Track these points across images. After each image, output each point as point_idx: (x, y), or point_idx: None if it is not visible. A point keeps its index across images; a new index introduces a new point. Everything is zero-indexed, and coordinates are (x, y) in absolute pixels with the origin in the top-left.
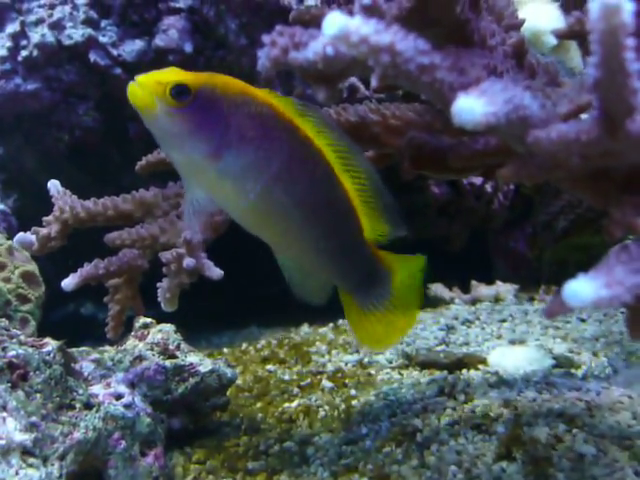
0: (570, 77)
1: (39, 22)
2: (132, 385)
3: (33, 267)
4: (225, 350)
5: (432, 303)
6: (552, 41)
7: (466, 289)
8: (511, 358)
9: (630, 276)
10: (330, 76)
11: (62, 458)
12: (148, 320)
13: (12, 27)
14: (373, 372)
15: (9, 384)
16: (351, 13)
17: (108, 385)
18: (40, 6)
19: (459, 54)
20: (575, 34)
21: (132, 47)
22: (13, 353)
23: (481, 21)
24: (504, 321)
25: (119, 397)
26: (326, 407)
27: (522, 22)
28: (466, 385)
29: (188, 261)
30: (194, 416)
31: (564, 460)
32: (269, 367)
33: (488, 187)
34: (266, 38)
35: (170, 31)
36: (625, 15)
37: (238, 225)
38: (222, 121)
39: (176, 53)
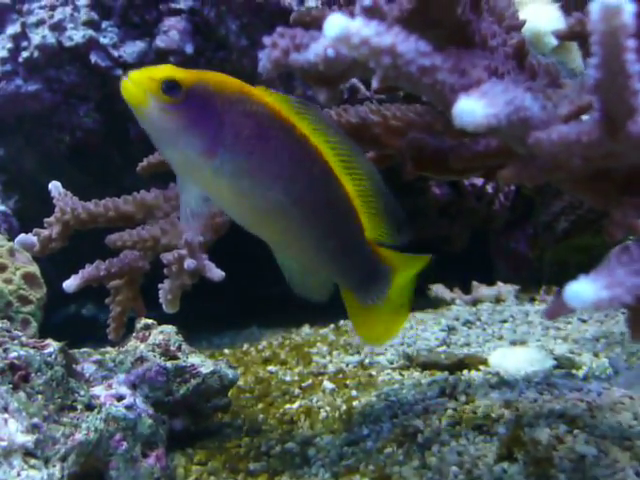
0: (571, 78)
1: (40, 23)
2: (134, 386)
3: (34, 268)
4: (226, 351)
5: (433, 304)
6: (553, 42)
7: (467, 290)
8: (512, 359)
9: (631, 277)
10: (331, 78)
11: (64, 459)
12: (149, 321)
13: (13, 28)
14: (374, 373)
15: (10, 385)
16: (352, 14)
17: (110, 386)
18: (41, 7)
19: (460, 55)
20: (576, 35)
21: (133, 48)
22: (15, 354)
23: (482, 22)
24: (505, 322)
25: (120, 398)
26: (327, 408)
27: (523, 23)
28: (467, 386)
29: (189, 262)
30: (195, 417)
31: (565, 461)
32: (270, 368)
33: (489, 188)
34: (267, 40)
35: (171, 32)
36: (626, 16)
37: (238, 225)
38: (216, 118)
39: (177, 54)
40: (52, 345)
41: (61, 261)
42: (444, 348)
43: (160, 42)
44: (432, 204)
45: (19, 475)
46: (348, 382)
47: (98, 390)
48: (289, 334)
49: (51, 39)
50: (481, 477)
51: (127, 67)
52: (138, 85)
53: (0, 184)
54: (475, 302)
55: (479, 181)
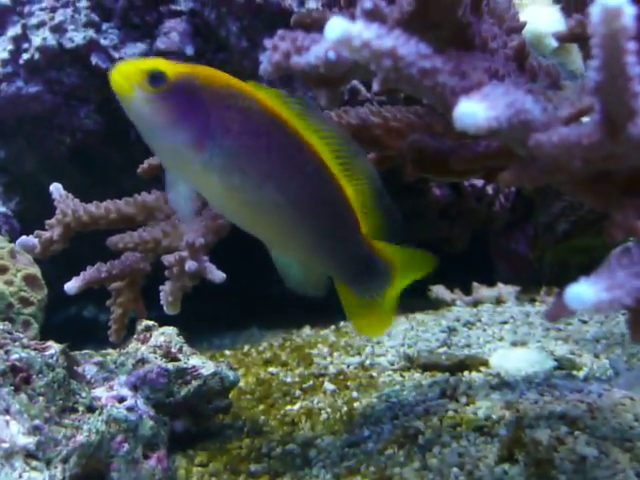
0: (571, 80)
1: (40, 25)
2: (135, 388)
3: (35, 270)
4: (227, 352)
5: (433, 305)
6: (553, 44)
7: (467, 291)
8: (513, 360)
9: (631, 279)
10: (332, 80)
11: (65, 461)
12: (150, 323)
13: (13, 30)
14: (375, 374)
15: (12, 387)
16: (352, 16)
17: (111, 388)
18: (41, 9)
19: (460, 58)
20: (576, 37)
21: (133, 50)
22: (16, 356)
23: (482, 24)
24: (506, 323)
25: (122, 400)
26: (328, 409)
27: (523, 25)
28: (468, 387)
29: (190, 264)
30: (197, 419)
31: (566, 462)
32: (271, 369)
33: (489, 189)
34: (268, 42)
35: (171, 34)
36: (626, 19)
37: (237, 226)
38: (203, 111)
39: (177, 56)
40: (53, 347)
41: (62, 262)
42: (445, 349)
43: (160, 44)
44: (432, 205)
45: (21, 477)
46: (349, 383)
47: (99, 392)
48: (290, 335)
49: (52, 41)
50: (482, 478)
51: None
52: (125, 76)
53: (1, 185)
54: (476, 303)
55: (479, 182)
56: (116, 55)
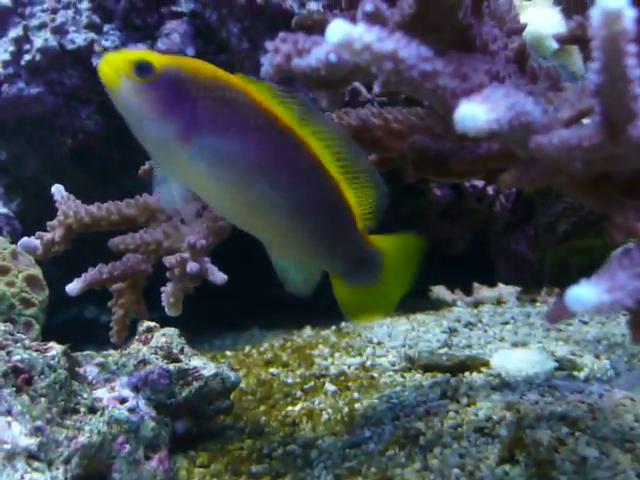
0: (572, 81)
1: (42, 26)
2: (136, 389)
3: (37, 271)
4: (228, 353)
5: (434, 305)
6: (554, 45)
7: (468, 291)
8: (513, 361)
9: (632, 281)
10: (333, 82)
11: (67, 462)
12: (152, 324)
13: (15, 31)
14: (376, 375)
15: (14, 388)
16: (354, 18)
17: (112, 389)
18: (43, 11)
19: (461, 60)
20: (576, 39)
21: None
22: (18, 357)
23: (483, 26)
24: (506, 323)
25: (123, 401)
26: (329, 410)
27: (524, 27)
28: (469, 388)
29: (192, 265)
30: (198, 420)
31: (567, 463)
32: (272, 370)
33: (490, 190)
34: (269, 45)
35: (172, 35)
36: (626, 22)
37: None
38: (190, 102)
39: None
40: (55, 348)
41: (63, 264)
42: (446, 350)
43: (162, 45)
44: (433, 206)
45: (22, 478)
46: (350, 384)
47: (101, 393)
48: (290, 336)
49: (53, 42)
50: (483, 479)
51: None
52: (111, 66)
53: (2, 187)
54: (476, 304)
55: (480, 183)
56: None
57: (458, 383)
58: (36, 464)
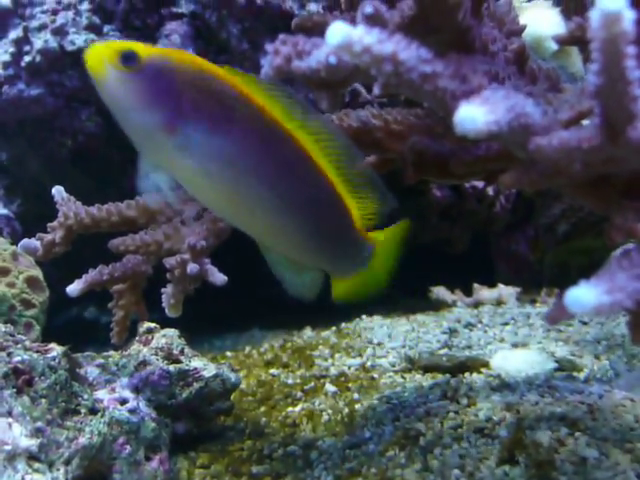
0: (571, 82)
1: (42, 28)
2: (137, 390)
3: (37, 272)
4: (228, 354)
5: (434, 306)
6: (553, 47)
7: (468, 292)
8: (513, 361)
9: (631, 282)
10: (333, 83)
11: (67, 463)
12: (152, 325)
13: (15, 33)
14: (376, 376)
15: (14, 389)
16: (353, 20)
17: (113, 390)
18: (43, 12)
19: (461, 61)
20: (576, 40)
21: None
22: (18, 359)
23: (482, 27)
24: (506, 324)
25: (124, 402)
26: (329, 411)
27: (523, 28)
28: (469, 389)
29: (192, 267)
30: (198, 421)
31: (567, 464)
32: (272, 371)
33: (490, 190)
34: (269, 47)
35: (173, 36)
36: (626, 23)
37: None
38: (174, 93)
39: None
40: (56, 349)
41: (63, 265)
42: (446, 350)
43: (162, 46)
44: (433, 206)
45: (23, 479)
46: (350, 385)
47: (101, 394)
48: (291, 336)
49: (53, 43)
50: None
51: None
52: (97, 55)
53: (2, 188)
54: (476, 304)
55: (480, 183)
56: None
57: (458, 384)
58: (37, 465)
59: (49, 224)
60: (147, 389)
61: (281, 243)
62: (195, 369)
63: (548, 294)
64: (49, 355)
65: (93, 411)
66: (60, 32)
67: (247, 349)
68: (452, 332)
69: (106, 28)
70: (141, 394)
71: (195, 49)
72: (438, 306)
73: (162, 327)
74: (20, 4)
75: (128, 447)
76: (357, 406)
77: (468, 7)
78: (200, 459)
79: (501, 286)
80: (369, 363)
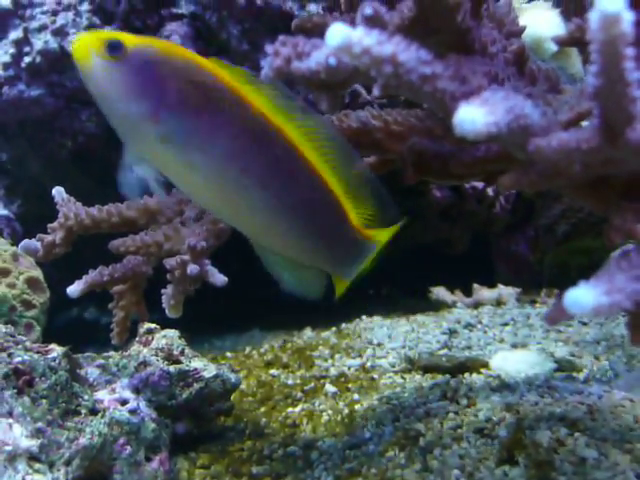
0: (571, 83)
1: (42, 29)
2: (137, 390)
3: (38, 273)
4: (229, 354)
5: (434, 307)
6: (553, 48)
7: (468, 293)
8: (513, 362)
9: (630, 283)
10: (333, 85)
11: (68, 463)
12: (152, 326)
13: (15, 34)
14: (376, 376)
15: (15, 390)
16: (353, 21)
17: (113, 391)
18: (43, 13)
19: (460, 63)
20: (575, 41)
21: None
22: (19, 359)
23: (482, 29)
24: (506, 324)
25: (124, 402)
26: (329, 411)
27: (523, 29)
28: (468, 389)
29: (192, 268)
30: (198, 421)
31: (566, 464)
32: (273, 372)
33: (490, 191)
34: (269, 48)
35: (173, 37)
36: (625, 25)
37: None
38: (159, 83)
39: None
40: (56, 350)
41: (64, 265)
42: (445, 351)
43: None
44: (433, 207)
45: (24, 479)
46: (350, 385)
47: (102, 394)
48: (291, 337)
49: (53, 44)
50: None
51: None
52: (83, 44)
53: (3, 188)
54: (476, 305)
55: (480, 184)
56: None
57: (458, 384)
58: (37, 465)
59: (49, 225)
60: (147, 390)
61: (271, 239)
62: (195, 370)
63: (548, 294)
64: (49, 356)
65: (93, 412)
66: (60, 33)
67: (247, 349)
68: (452, 333)
69: (106, 29)
70: (141, 395)
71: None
72: (438, 307)
73: (162, 328)
74: (20, 5)
75: (128, 447)
76: (357, 406)
77: (468, 8)
78: (200, 459)
79: (501, 287)
80: (369, 364)
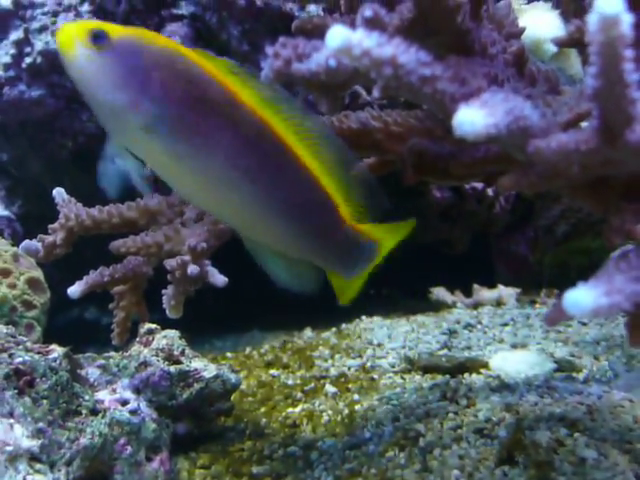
0: (570, 84)
1: (43, 29)
2: (137, 391)
3: (38, 273)
4: (229, 355)
5: (434, 307)
6: (552, 49)
7: (468, 293)
8: (513, 362)
9: (629, 284)
10: (333, 86)
11: (69, 464)
12: (153, 326)
13: (16, 34)
14: (376, 377)
15: (16, 391)
16: (353, 22)
17: (114, 391)
18: (44, 13)
19: (460, 64)
20: (575, 42)
21: None
22: (20, 360)
23: (482, 30)
24: (506, 325)
25: (125, 403)
26: (329, 412)
27: (522, 30)
28: (468, 389)
29: (192, 268)
30: (199, 421)
31: (566, 464)
32: (273, 372)
33: (490, 191)
34: (269, 50)
35: (173, 38)
36: (624, 27)
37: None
38: (143, 73)
39: None
40: (57, 350)
41: (64, 266)
42: (445, 351)
43: None
44: (433, 207)
45: (25, 479)
46: (350, 386)
47: (102, 395)
48: (291, 337)
49: (54, 45)
50: None
51: None
52: (67, 33)
53: (4, 189)
54: (476, 305)
55: (480, 184)
56: None
57: (458, 385)
58: (38, 466)
59: (50, 225)
60: (148, 390)
61: (260, 232)
62: (196, 370)
63: (548, 295)
64: (50, 356)
65: (94, 412)
66: None
67: (247, 350)
68: (452, 333)
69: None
70: (142, 395)
71: None
72: (438, 307)
73: (163, 328)
74: (21, 6)
75: (129, 448)
76: (357, 407)
77: (467, 10)
78: (201, 459)
79: (501, 287)
80: (369, 364)
